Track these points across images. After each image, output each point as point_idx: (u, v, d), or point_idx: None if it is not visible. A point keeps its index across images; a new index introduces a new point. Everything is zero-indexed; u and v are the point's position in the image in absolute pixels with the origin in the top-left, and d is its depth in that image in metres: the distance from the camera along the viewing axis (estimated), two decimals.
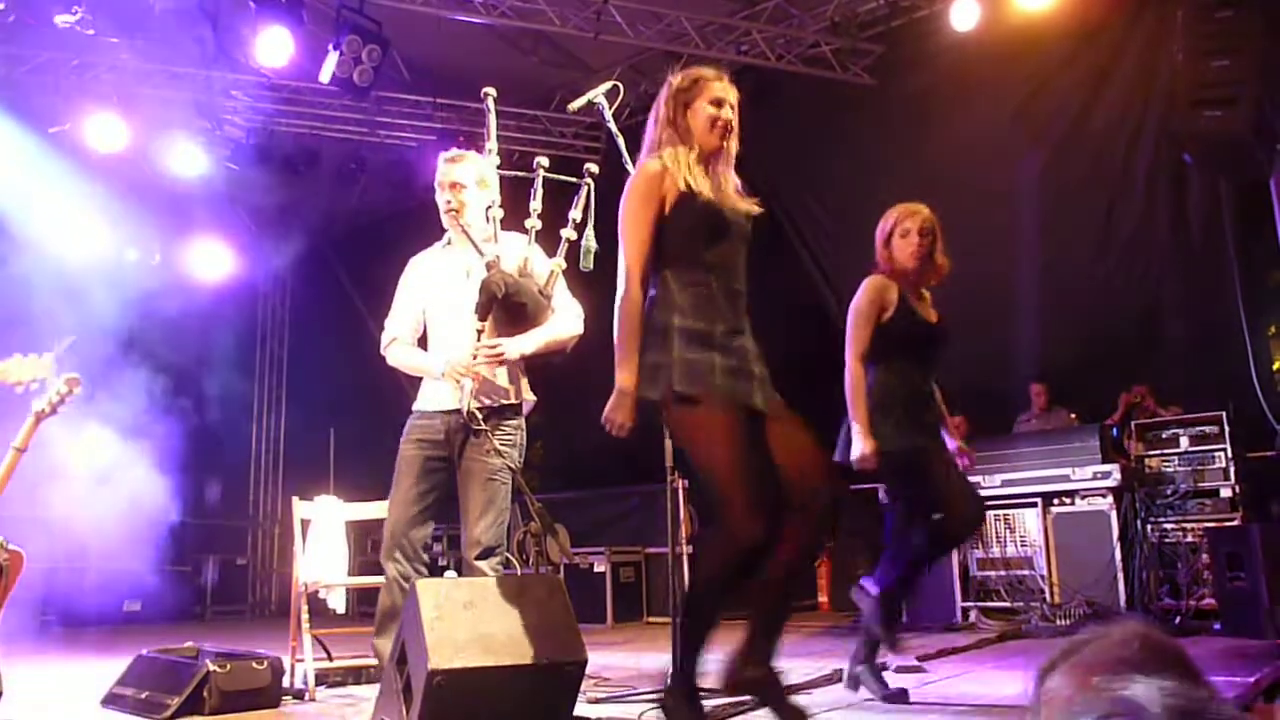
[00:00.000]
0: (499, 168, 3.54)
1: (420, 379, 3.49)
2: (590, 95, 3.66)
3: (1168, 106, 6.48)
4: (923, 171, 7.69)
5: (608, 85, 3.68)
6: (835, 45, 7.75)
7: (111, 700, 3.90)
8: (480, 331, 3.21)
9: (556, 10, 7.44)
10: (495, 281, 3.19)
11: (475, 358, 3.21)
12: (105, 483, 7.70)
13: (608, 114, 3.64)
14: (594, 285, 3.45)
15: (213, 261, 10.75)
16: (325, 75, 7.15)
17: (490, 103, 3.54)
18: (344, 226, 11.13)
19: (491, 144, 3.54)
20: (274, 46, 6.88)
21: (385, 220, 10.64)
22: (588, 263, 3.43)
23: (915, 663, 4.32)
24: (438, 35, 7.94)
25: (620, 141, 3.63)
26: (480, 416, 3.21)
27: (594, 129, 9.19)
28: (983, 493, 6.21)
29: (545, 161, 3.47)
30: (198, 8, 6.77)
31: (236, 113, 8.76)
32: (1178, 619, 5.34)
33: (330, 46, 7.09)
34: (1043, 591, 5.91)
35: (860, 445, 3.38)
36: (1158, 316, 6.93)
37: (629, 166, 3.57)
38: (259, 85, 8.49)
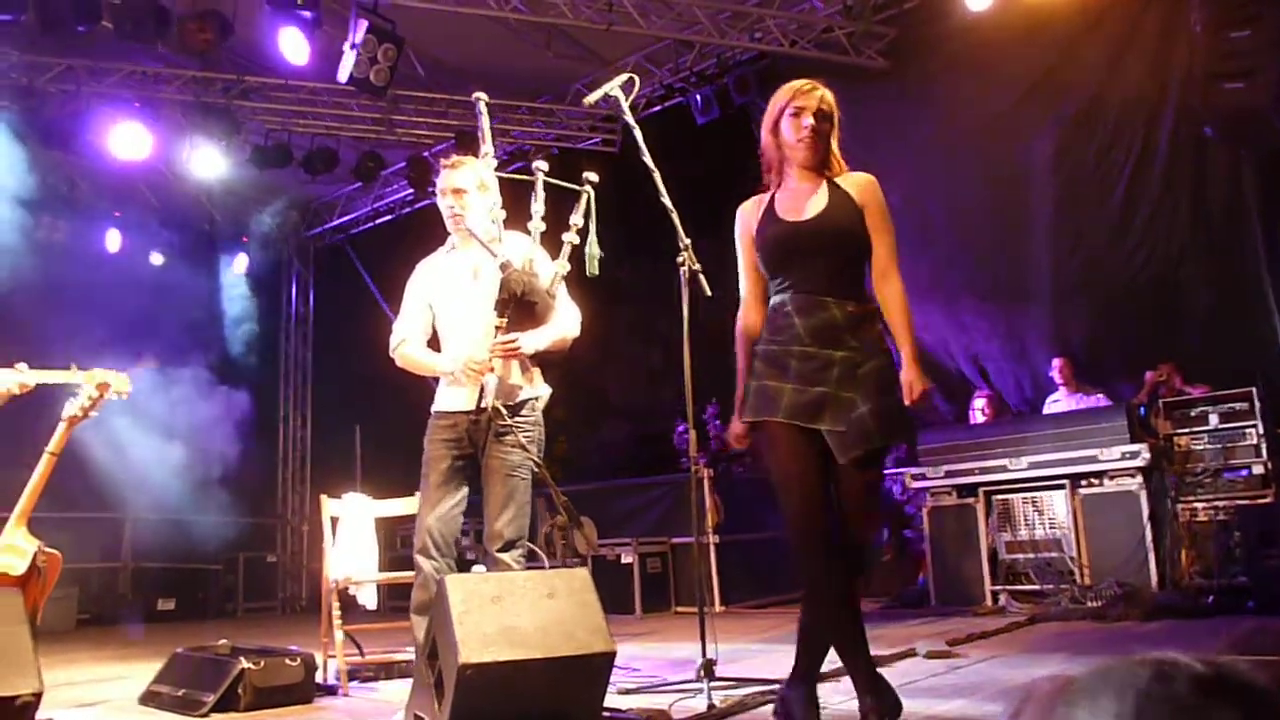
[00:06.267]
0: (496, 169, 3.59)
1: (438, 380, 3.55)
2: (606, 88, 3.67)
3: (1187, 79, 6.41)
4: (938, 153, 7.64)
5: (623, 77, 3.69)
6: (848, 29, 7.70)
7: (150, 698, 3.97)
8: (498, 328, 3.26)
9: (568, 2, 7.43)
10: (516, 280, 3.26)
11: (491, 351, 3.26)
12: (137, 484, 7.81)
13: (624, 106, 3.64)
14: (593, 288, 3.51)
15: (232, 261, 10.91)
16: (343, 75, 7.19)
17: (482, 106, 3.58)
18: (365, 224, 11.24)
19: (487, 146, 3.58)
20: (291, 47, 6.93)
21: (406, 218, 10.72)
22: (594, 268, 3.49)
23: (945, 647, 4.32)
24: (452, 32, 7.96)
25: (638, 133, 3.63)
26: (505, 413, 3.26)
27: (609, 121, 9.17)
28: (1010, 475, 6.20)
29: (544, 166, 3.49)
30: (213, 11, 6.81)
31: (255, 115, 8.81)
32: (1210, 598, 5.28)
33: (346, 46, 7.13)
34: (1072, 573, 5.87)
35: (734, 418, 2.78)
36: (1181, 293, 6.85)
37: (646, 158, 3.58)
38: (276, 87, 8.55)
